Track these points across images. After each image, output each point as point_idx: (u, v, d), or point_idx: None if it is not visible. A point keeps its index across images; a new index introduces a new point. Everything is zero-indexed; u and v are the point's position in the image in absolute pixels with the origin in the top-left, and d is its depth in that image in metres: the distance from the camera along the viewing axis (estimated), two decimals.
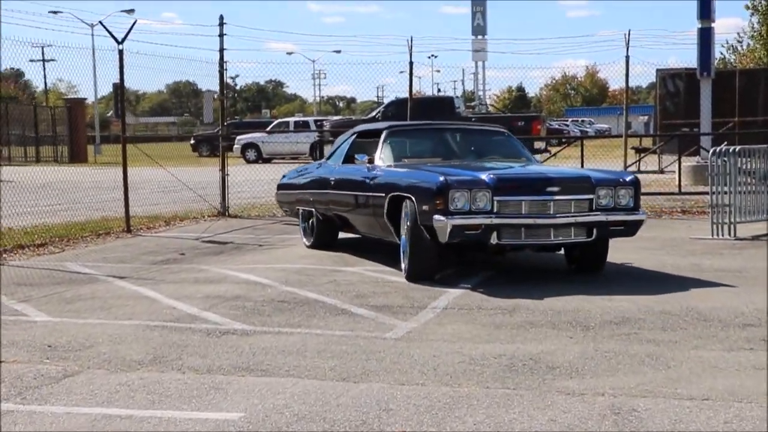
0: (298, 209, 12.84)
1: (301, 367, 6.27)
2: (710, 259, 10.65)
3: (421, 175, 9.69)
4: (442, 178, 8.99)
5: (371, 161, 10.70)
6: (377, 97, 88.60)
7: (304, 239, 12.63)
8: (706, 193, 17.15)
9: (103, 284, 9.74)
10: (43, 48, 61.67)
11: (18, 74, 73.64)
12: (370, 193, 10.40)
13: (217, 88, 17.24)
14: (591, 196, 9.17)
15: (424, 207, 9.02)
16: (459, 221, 8.81)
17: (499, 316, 7.77)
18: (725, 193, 12.46)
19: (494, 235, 8.91)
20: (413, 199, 9.24)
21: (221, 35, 16.61)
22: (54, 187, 20.38)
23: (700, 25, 20.98)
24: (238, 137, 40.19)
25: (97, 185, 21.48)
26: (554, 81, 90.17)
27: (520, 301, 8.28)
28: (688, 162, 22.37)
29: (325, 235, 12.24)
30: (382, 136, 10.98)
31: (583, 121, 67.26)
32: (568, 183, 9.30)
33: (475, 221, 8.86)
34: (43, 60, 65.65)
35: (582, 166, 16.49)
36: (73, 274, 10.42)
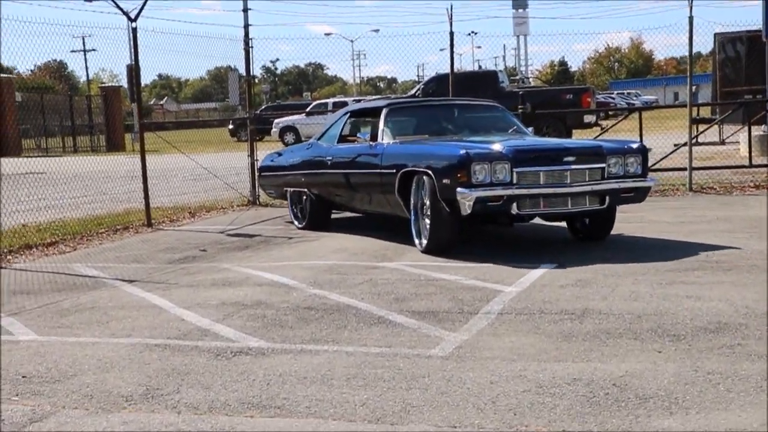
0: (287, 191, 12.85)
1: (326, 402, 4.95)
2: None
3: (439, 149, 9.76)
4: (463, 152, 9.00)
5: (374, 138, 10.68)
6: (417, 76, 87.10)
7: (295, 222, 12.57)
8: None
9: (108, 290, 8.50)
10: (83, 38, 61.16)
11: (61, 65, 73.15)
12: (378, 170, 10.36)
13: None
14: (603, 165, 9.27)
15: (445, 180, 9.02)
16: (482, 193, 8.85)
17: (566, 322, 6.39)
18: None
19: (514, 205, 9.00)
20: (431, 173, 9.22)
21: (245, 10, 15.29)
22: (86, 177, 19.35)
23: None
24: (276, 120, 39.07)
25: (130, 174, 20.25)
26: (598, 54, 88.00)
27: (590, 303, 6.90)
28: (753, 132, 20.73)
29: (319, 215, 12.22)
30: (383, 114, 10.90)
31: (629, 93, 65.17)
32: (582, 152, 9.36)
33: (497, 192, 8.90)
34: (84, 50, 65.10)
35: (641, 138, 14.96)
36: (78, 278, 9.20)
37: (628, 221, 11.25)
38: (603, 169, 9.28)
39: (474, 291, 7.57)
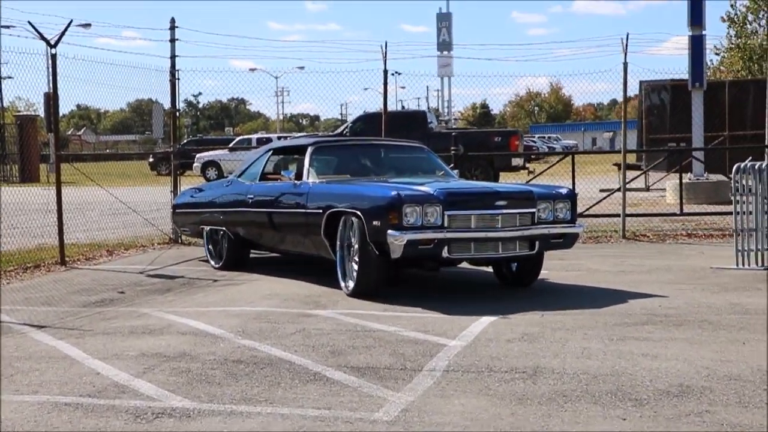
0: (202, 229, 12.32)
1: None
2: (749, 297, 8.84)
3: (369, 190, 9.40)
4: (394, 193, 8.74)
5: (299, 177, 10.35)
6: (341, 114, 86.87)
7: (211, 261, 12.08)
8: (710, 214, 15.59)
9: (14, 337, 7.74)
10: None
11: None
12: (303, 210, 10.01)
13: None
14: (533, 210, 9.13)
15: (375, 222, 8.72)
16: (413, 236, 8.56)
17: (518, 382, 5.90)
18: (746, 214, 10.69)
19: (446, 249, 8.73)
20: (360, 215, 8.93)
21: (172, 40, 14.63)
22: None
23: (691, 33, 19.43)
24: (198, 155, 38.23)
25: (44, 207, 19.29)
26: (519, 97, 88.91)
27: (541, 361, 6.43)
28: (676, 180, 20.72)
29: (237, 255, 11.75)
30: (308, 152, 10.55)
31: (549, 137, 65.76)
32: (512, 197, 9.19)
33: (428, 236, 8.63)
34: None
35: (573, 184, 14.69)
36: None
37: (567, 269, 10.89)
38: (533, 213, 9.14)
39: (415, 344, 7.05)
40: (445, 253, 8.78)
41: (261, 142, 41.51)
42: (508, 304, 8.66)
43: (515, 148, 23.91)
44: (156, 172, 42.88)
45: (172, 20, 14.78)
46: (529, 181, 17.43)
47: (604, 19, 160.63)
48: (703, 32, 19.53)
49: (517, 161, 24.13)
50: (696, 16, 19.29)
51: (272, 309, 8.76)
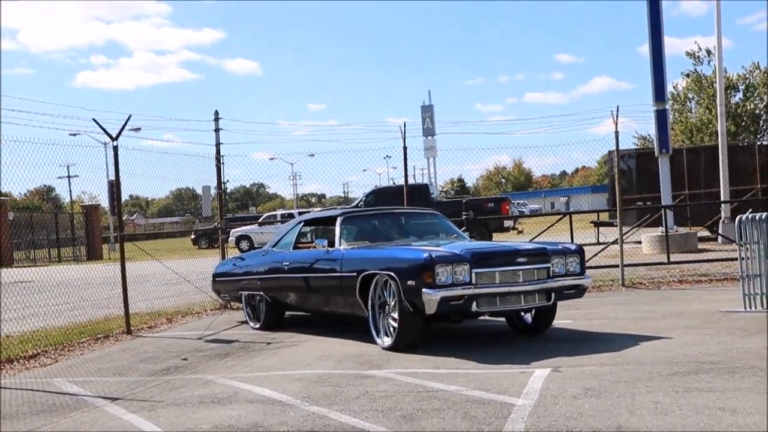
0: (241, 294, 11.35)
1: None
2: None
3: (401, 253, 8.54)
4: (426, 255, 7.94)
5: (331, 245, 9.49)
6: (344, 192, 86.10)
7: (250, 323, 11.09)
8: (693, 262, 14.39)
9: (89, 412, 6.45)
10: (68, 167, 58.72)
11: (49, 189, 70.63)
12: (337, 274, 9.12)
13: (212, 184, 14.30)
14: (548, 265, 8.37)
15: (410, 282, 7.95)
16: (446, 293, 7.80)
17: None
18: (745, 259, 9.50)
19: (474, 304, 7.95)
20: (395, 275, 8.13)
21: (217, 130, 13.54)
22: (68, 284, 17.08)
23: (655, 108, 18.46)
24: (232, 230, 37.13)
25: (108, 281, 18.04)
26: (488, 172, 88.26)
27: (619, 419, 5.16)
28: (651, 233, 19.58)
29: (274, 316, 10.83)
30: (338, 222, 9.78)
31: (518, 203, 64.75)
32: (531, 254, 8.37)
33: (459, 292, 7.86)
34: (69, 176, 62.59)
35: (572, 239, 13.51)
36: (58, 396, 7.12)
37: (589, 318, 9.66)
38: (548, 268, 8.38)
39: (483, 405, 5.77)
40: (474, 308, 8.00)
41: (284, 216, 40.46)
42: (551, 355, 7.42)
43: (506, 212, 22.81)
44: (197, 246, 41.82)
45: (216, 113, 13.72)
46: (533, 239, 16.20)
47: (551, 107, 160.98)
48: (666, 107, 18.60)
49: (508, 223, 23.00)
50: (660, 94, 18.39)
51: (330, 371, 7.47)
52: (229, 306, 13.42)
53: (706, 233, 21.97)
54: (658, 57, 18.25)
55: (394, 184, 51.75)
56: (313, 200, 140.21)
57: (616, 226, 21.69)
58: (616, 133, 13.16)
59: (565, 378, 6.44)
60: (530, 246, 8.87)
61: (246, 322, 11.18)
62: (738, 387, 5.79)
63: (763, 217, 9.27)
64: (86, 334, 10.78)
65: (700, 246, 19.04)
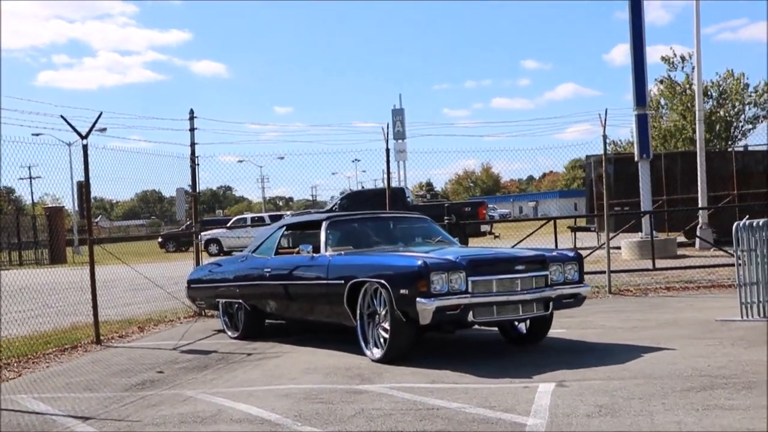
0: (218, 302, 10.80)
1: None
2: None
3: (393, 260, 8.00)
4: (420, 262, 7.43)
5: (316, 250, 8.91)
6: (312, 195, 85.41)
7: (228, 332, 10.54)
8: (678, 268, 14.15)
9: None
10: (30, 167, 57.43)
11: (9, 191, 69.13)
12: (324, 281, 8.59)
13: (183, 185, 13.74)
14: (546, 273, 7.89)
15: (403, 291, 7.43)
16: (441, 302, 7.30)
17: None
18: (740, 264, 9.22)
19: (471, 313, 7.45)
20: (386, 284, 7.60)
21: (192, 129, 12.98)
22: (31, 289, 16.36)
23: (636, 112, 18.23)
24: (201, 233, 36.44)
25: (73, 285, 17.31)
26: (457, 176, 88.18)
27: None
28: (629, 238, 19.35)
29: (253, 324, 10.24)
30: (324, 227, 9.19)
31: (488, 206, 64.69)
32: (528, 261, 7.86)
33: (455, 302, 7.35)
34: (30, 177, 61.20)
35: (555, 245, 13.20)
36: (23, 416, 6.55)
37: (582, 327, 9.31)
38: (546, 276, 7.90)
39: (490, 425, 5.35)
40: (470, 317, 7.50)
41: (254, 220, 39.81)
42: (553, 368, 7.02)
43: (483, 216, 22.48)
44: (165, 250, 41.01)
45: (192, 111, 13.15)
46: (516, 245, 15.87)
47: (517, 113, 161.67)
48: (647, 111, 18.39)
49: (485, 227, 22.65)
50: (640, 99, 18.16)
51: (318, 386, 7.00)
52: (203, 313, 12.88)
53: (682, 238, 21.84)
54: (639, 62, 18.02)
55: (363, 187, 51.45)
56: (281, 203, 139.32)
57: (594, 231, 21.61)
58: (604, 136, 12.92)
59: (573, 394, 6.04)
60: (528, 253, 8.41)
61: (223, 331, 10.68)
62: (760, 404, 5.43)
63: (761, 224, 8.99)
64: (52, 345, 10.19)
65: (679, 252, 18.86)
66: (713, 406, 5.45)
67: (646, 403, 5.64)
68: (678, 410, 5.38)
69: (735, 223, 9.15)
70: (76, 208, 53.03)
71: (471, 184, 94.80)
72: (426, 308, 7.27)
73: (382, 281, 7.69)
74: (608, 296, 12.48)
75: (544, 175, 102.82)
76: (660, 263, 15.29)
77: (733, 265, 12.90)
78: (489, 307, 7.56)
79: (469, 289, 7.45)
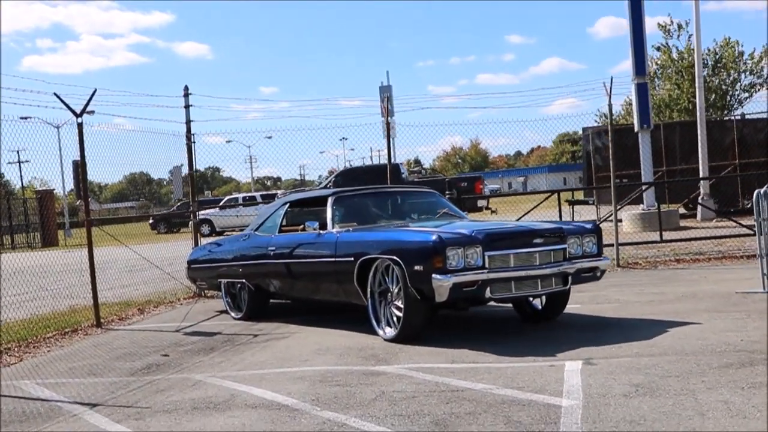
0: (220, 282, 10.44)
1: None
2: None
3: (405, 236, 7.64)
4: (435, 237, 7.10)
5: (323, 227, 8.55)
6: (300, 175, 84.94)
7: (231, 312, 10.21)
8: (684, 240, 13.90)
9: (66, 421, 5.58)
10: (18, 151, 56.78)
11: None
12: (332, 259, 8.21)
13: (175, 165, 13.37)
14: (564, 246, 7.59)
15: (417, 267, 7.10)
16: (459, 278, 6.98)
17: None
18: (763, 235, 8.95)
19: (488, 289, 7.14)
20: (399, 260, 7.27)
21: (187, 106, 12.56)
22: (25, 272, 15.98)
23: (636, 82, 17.90)
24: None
25: (67, 268, 16.95)
26: (445, 153, 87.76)
27: (690, 423, 4.48)
28: (631, 210, 19.09)
29: (257, 304, 9.90)
30: (330, 203, 8.83)
31: None
32: (546, 234, 7.55)
33: (472, 277, 7.04)
34: (19, 162, 60.50)
35: (560, 219, 12.90)
36: (27, 403, 6.23)
37: (597, 301, 9.06)
38: (564, 249, 7.59)
39: (523, 407, 5.06)
40: (487, 294, 7.18)
41: (246, 200, 39.40)
42: (576, 345, 6.75)
43: (480, 191, 22.19)
44: (156, 231, 40.61)
45: (186, 88, 12.70)
46: (521, 218, 15.58)
47: (502, 88, 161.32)
48: (647, 81, 18.07)
49: (481, 202, 22.33)
50: (640, 68, 17.85)
51: (333, 367, 6.70)
52: (203, 294, 12.55)
53: (682, 210, 21.60)
54: (638, 30, 17.69)
55: (351, 165, 50.96)
56: (269, 183, 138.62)
57: (592, 204, 21.32)
58: (610, 105, 12.65)
59: (604, 372, 5.76)
60: (546, 225, 8.04)
61: (226, 312, 10.36)
62: None
63: None
64: (52, 328, 9.84)
65: (681, 223, 18.63)
66: (758, 383, 5.17)
67: (685, 381, 5.36)
68: (722, 389, 5.10)
69: (756, 191, 8.87)
70: (66, 192, 52.52)
71: (459, 161, 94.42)
72: (442, 285, 6.96)
73: (395, 258, 7.36)
74: (617, 269, 12.21)
75: (533, 150, 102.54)
76: (666, 235, 15.03)
77: (742, 235, 12.72)
78: (507, 283, 7.25)
79: (486, 264, 7.14)
